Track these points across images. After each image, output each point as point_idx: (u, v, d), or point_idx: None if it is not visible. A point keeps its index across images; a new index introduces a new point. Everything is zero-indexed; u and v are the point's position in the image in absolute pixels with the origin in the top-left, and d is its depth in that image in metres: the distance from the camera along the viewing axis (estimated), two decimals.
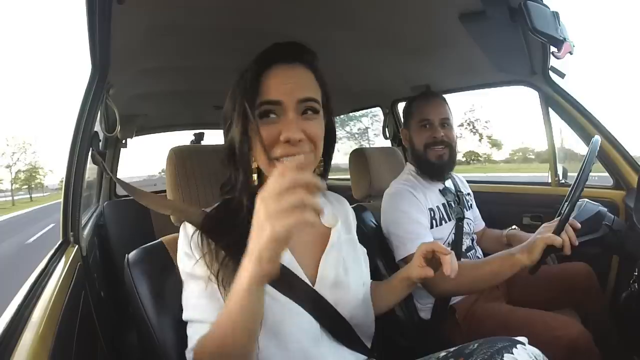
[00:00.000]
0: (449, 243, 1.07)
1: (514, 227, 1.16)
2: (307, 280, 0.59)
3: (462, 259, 1.05)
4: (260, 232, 0.38)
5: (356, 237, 0.74)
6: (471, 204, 1.22)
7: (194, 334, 0.53)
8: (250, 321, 0.44)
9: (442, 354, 0.59)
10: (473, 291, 0.99)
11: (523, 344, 0.52)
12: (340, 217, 0.69)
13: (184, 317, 0.56)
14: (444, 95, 1.17)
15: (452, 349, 0.58)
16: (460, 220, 1.10)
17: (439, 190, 1.13)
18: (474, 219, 1.20)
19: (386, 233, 1.06)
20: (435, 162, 1.09)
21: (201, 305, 0.54)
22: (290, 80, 0.56)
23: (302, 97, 0.55)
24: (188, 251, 0.57)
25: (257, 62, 0.57)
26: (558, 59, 0.79)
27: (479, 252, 1.15)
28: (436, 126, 1.10)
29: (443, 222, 1.08)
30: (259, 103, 0.55)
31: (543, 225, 0.81)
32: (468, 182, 1.34)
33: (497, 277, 0.82)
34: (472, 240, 1.15)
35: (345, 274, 0.63)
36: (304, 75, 0.58)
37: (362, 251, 0.74)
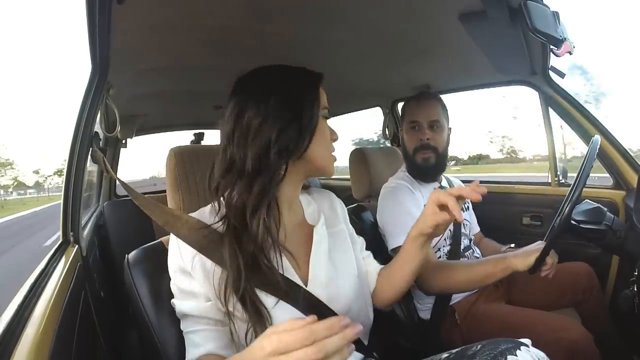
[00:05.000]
0: (445, 239, 1.08)
1: (512, 245, 1.13)
2: (299, 282, 0.59)
3: (460, 259, 1.05)
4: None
5: (345, 227, 0.72)
6: (468, 207, 1.23)
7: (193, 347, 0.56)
8: None
9: (444, 355, 0.58)
10: (464, 290, 1.00)
11: (527, 345, 0.50)
12: (324, 212, 0.69)
13: (183, 328, 0.58)
14: (444, 97, 1.18)
15: (454, 351, 0.57)
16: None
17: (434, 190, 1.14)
18: (470, 221, 1.21)
19: (381, 225, 1.06)
20: (421, 165, 1.11)
21: (203, 331, 0.56)
22: None
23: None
24: (184, 267, 0.57)
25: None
26: (557, 56, 0.80)
27: (477, 252, 1.15)
28: (424, 128, 1.11)
29: None
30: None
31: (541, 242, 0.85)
32: (466, 182, 1.33)
33: (489, 278, 0.84)
34: (470, 240, 1.15)
35: (335, 270, 0.63)
36: None
37: (351, 242, 0.72)
